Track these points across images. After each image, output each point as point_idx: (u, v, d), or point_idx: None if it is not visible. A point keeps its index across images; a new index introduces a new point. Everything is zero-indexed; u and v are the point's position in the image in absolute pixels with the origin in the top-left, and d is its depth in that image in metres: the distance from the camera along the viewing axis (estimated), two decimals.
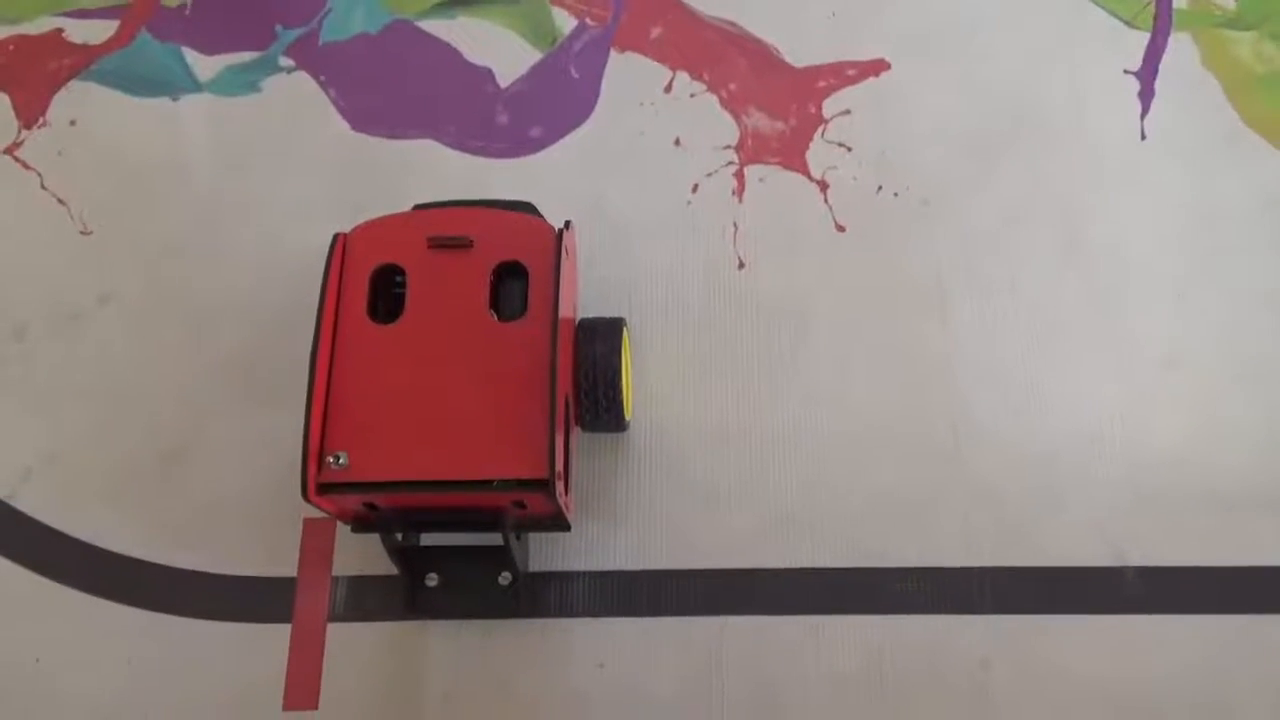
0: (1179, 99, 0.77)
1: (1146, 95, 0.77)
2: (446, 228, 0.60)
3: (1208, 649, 0.62)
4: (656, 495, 0.67)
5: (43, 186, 0.78)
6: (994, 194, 0.75)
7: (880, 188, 0.75)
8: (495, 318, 0.59)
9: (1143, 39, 0.79)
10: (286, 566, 0.66)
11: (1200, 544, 0.64)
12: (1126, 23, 0.80)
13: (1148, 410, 0.68)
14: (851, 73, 0.79)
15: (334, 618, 0.64)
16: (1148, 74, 0.78)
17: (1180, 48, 0.79)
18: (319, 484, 0.55)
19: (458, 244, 0.60)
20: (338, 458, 0.55)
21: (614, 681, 0.62)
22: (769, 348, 0.70)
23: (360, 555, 0.65)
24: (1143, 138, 0.76)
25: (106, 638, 0.64)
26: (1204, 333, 0.70)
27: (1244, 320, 0.70)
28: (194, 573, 0.66)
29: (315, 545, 0.66)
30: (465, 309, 0.59)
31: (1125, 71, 0.78)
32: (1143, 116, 0.77)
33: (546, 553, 0.65)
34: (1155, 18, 0.80)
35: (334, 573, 0.65)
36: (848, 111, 0.78)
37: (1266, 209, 0.73)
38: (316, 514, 0.59)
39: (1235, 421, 0.68)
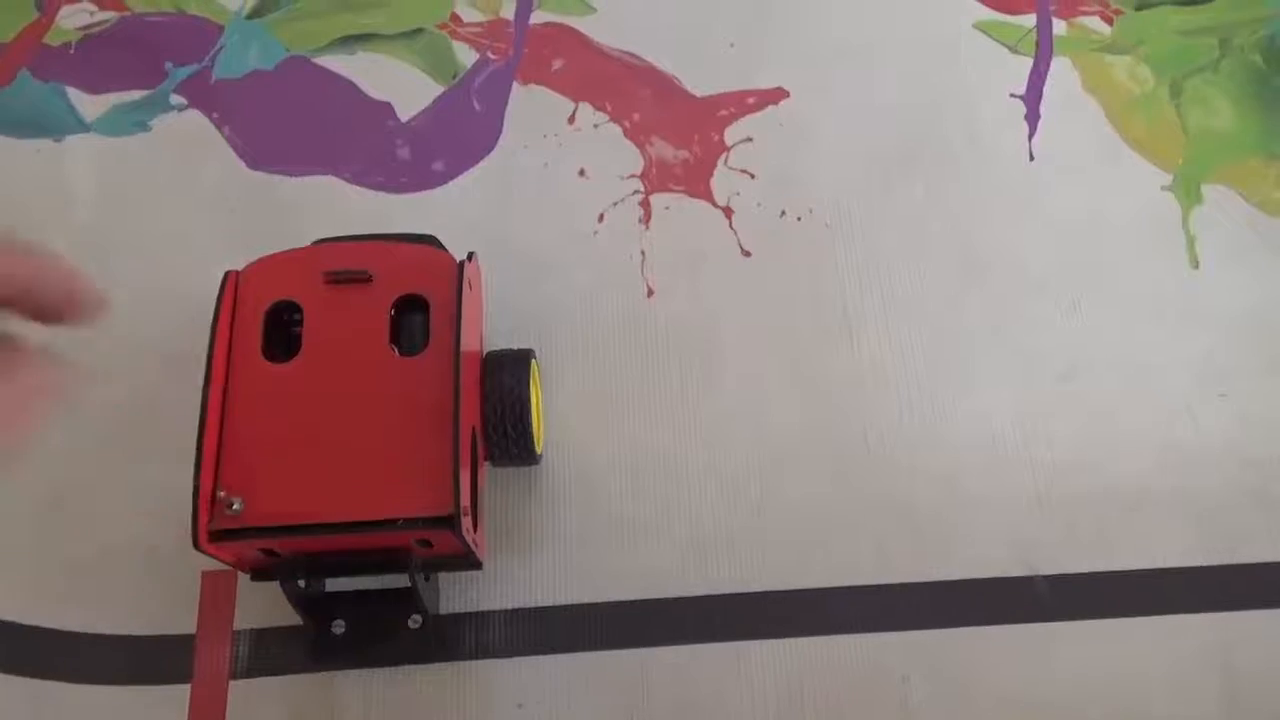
0: (1063, 121, 0.80)
1: (1032, 118, 0.80)
2: (344, 262, 0.59)
3: (1122, 651, 0.63)
4: (571, 528, 0.65)
5: None
6: (894, 215, 0.76)
7: (784, 212, 0.76)
8: (396, 352, 0.58)
9: (1026, 64, 0.82)
10: (184, 624, 0.62)
11: (1106, 549, 0.66)
12: (1010, 49, 0.83)
13: (1049, 420, 0.69)
14: (751, 101, 0.80)
15: (236, 674, 0.61)
16: (1032, 98, 0.81)
17: (1062, 72, 0.82)
18: (211, 531, 0.52)
19: (356, 278, 0.59)
20: (231, 503, 0.53)
21: None
22: (680, 373, 0.70)
23: (264, 607, 0.62)
24: (1031, 158, 0.79)
25: None
26: (1098, 344, 0.72)
27: (1135, 331, 0.73)
28: (81, 634, 0.62)
29: (215, 599, 0.63)
30: (364, 344, 0.57)
31: (1012, 95, 0.81)
32: (1030, 138, 0.79)
33: (458, 593, 0.63)
34: (1037, 44, 0.83)
35: (236, 627, 0.62)
36: (749, 139, 0.79)
37: (1150, 224, 0.77)
38: (216, 566, 0.56)
39: (1132, 428, 0.70)
